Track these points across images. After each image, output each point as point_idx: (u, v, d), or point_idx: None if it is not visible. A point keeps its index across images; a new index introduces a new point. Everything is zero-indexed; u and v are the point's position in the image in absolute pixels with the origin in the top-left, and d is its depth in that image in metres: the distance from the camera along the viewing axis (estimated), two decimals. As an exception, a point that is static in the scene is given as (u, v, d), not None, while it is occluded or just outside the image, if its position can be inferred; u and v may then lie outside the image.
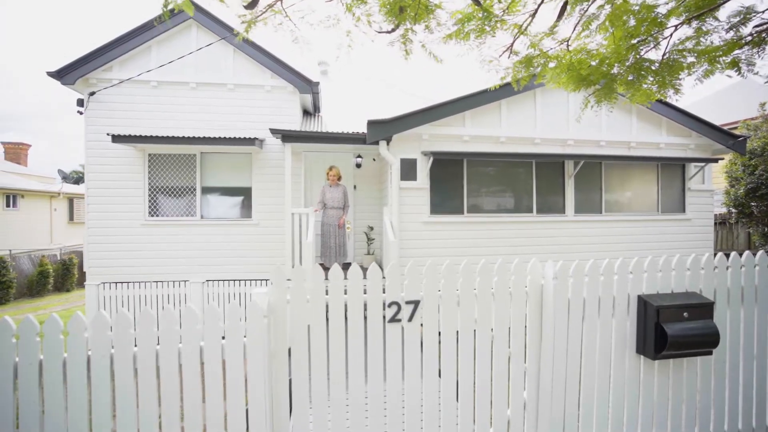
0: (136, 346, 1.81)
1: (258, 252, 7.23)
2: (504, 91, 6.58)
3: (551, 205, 7.06)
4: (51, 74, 6.65)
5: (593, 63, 4.03)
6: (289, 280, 2.11)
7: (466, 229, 6.69)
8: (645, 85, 4.10)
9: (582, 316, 2.20)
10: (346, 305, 2.00)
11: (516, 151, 6.80)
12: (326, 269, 6.29)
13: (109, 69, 6.91)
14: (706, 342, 2.08)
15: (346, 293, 2.01)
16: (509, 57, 3.94)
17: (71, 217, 19.18)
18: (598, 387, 2.21)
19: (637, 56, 3.89)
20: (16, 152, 21.29)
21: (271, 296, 1.93)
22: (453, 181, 6.73)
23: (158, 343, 1.83)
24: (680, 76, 3.64)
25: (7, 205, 15.98)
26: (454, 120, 6.58)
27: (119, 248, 6.95)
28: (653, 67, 3.91)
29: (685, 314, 2.08)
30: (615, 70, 4.03)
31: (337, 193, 6.59)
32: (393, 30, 3.45)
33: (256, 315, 1.84)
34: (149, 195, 7.07)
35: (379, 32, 3.32)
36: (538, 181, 6.98)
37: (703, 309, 2.11)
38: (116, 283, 6.94)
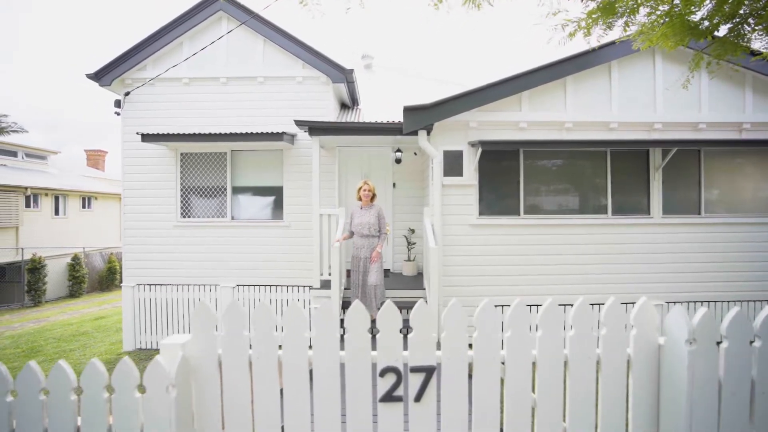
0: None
1: (290, 256, 6.72)
2: (569, 65, 5.42)
3: (631, 205, 5.74)
4: (89, 76, 6.66)
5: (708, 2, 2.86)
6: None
7: (523, 234, 5.61)
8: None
9: (749, 413, 1.21)
10: (311, 366, 1.22)
11: (585, 138, 5.59)
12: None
13: (143, 68, 6.80)
14: None
15: (311, 346, 1.23)
16: (583, 1, 2.91)
17: (138, 218, 20.51)
18: None
19: (783, -15, 2.67)
20: (96, 158, 23.38)
21: (192, 349, 1.21)
22: (507, 177, 5.68)
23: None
24: None
25: (83, 207, 17.38)
26: (507, 103, 5.54)
27: (153, 250, 6.81)
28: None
29: None
30: (744, 10, 2.83)
31: (369, 216, 4.93)
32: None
33: (157, 384, 1.13)
34: (181, 196, 6.86)
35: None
36: (613, 175, 5.69)
37: None
38: (150, 285, 6.81)
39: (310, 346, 1.21)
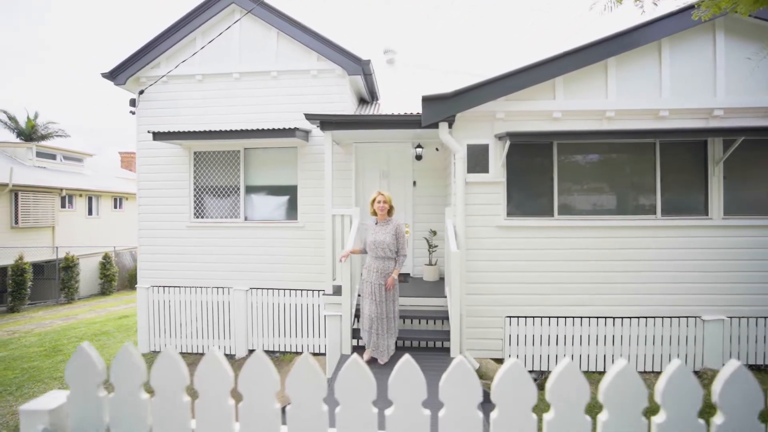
0: None
1: (304, 258, 6.39)
2: (612, 45, 4.78)
3: (685, 204, 5.01)
4: (104, 75, 6.59)
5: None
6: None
7: (557, 237, 5.00)
8: None
9: None
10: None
11: (630, 128, 4.92)
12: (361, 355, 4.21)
13: (157, 66, 6.66)
14: None
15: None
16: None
17: (168, 218, 21.00)
18: None
19: None
20: (129, 160, 24.17)
21: (68, 418, 0.82)
22: (538, 173, 5.10)
23: None
24: None
25: (115, 207, 17.91)
26: (539, 91, 4.95)
27: (167, 251, 6.67)
28: None
29: None
30: None
31: (384, 234, 4.09)
32: None
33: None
34: (194, 195, 6.67)
35: None
36: (663, 170, 4.99)
37: None
38: (164, 287, 6.66)
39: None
